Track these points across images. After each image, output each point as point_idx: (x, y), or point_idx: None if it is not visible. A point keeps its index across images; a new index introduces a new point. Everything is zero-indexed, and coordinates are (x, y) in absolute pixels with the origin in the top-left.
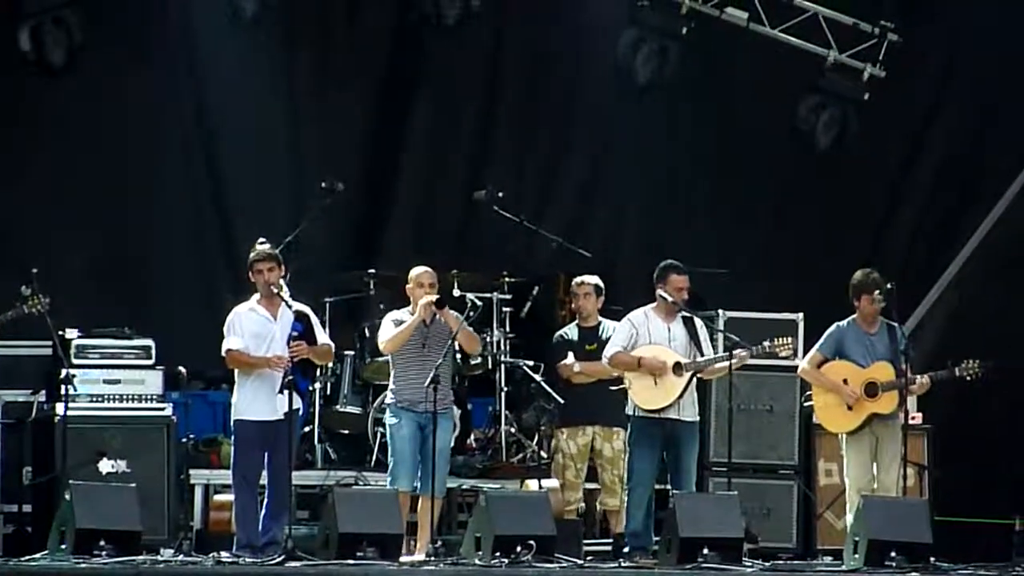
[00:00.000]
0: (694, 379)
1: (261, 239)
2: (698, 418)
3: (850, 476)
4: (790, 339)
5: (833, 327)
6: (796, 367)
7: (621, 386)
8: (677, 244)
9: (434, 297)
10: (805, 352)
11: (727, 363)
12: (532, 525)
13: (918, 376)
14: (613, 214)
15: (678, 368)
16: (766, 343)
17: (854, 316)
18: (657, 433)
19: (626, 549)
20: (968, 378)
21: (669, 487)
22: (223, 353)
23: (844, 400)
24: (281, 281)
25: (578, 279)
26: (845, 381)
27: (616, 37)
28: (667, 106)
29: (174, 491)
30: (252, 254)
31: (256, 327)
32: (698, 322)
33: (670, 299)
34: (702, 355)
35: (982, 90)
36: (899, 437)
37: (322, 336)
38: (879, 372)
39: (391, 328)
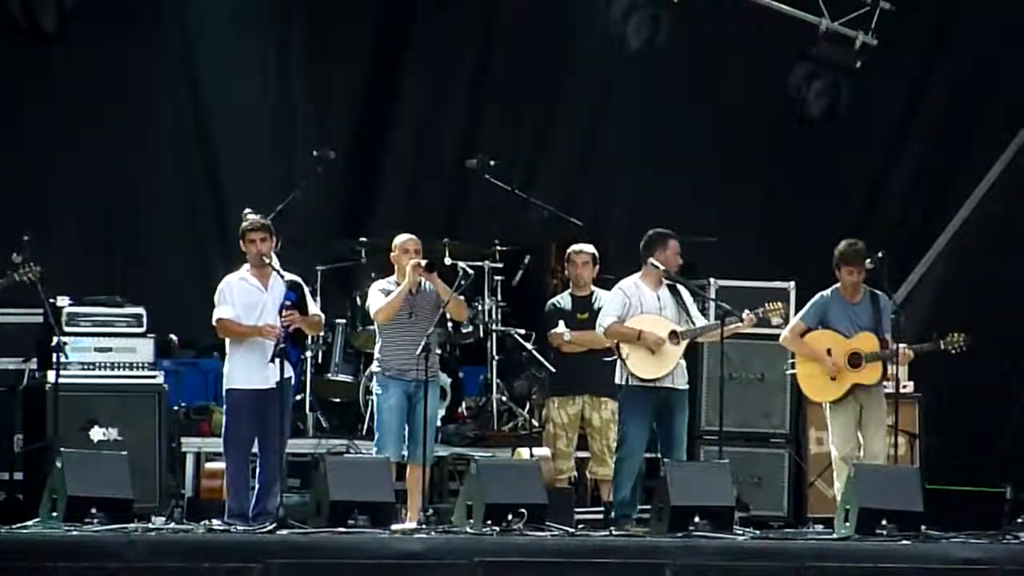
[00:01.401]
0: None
1: (248, 209)
2: (688, 386)
3: (835, 444)
4: (781, 304)
5: (817, 296)
6: None
7: (612, 357)
8: (668, 213)
9: (422, 260)
10: None
11: (722, 329)
12: (523, 493)
13: (902, 346)
14: (604, 183)
15: (674, 336)
16: (759, 310)
17: (837, 285)
18: (650, 402)
19: (612, 515)
20: (953, 351)
21: (660, 456)
22: (214, 322)
23: (826, 370)
24: (272, 252)
25: (576, 247)
26: (829, 351)
27: (608, 5)
28: (659, 75)
29: (165, 459)
30: (244, 224)
31: (247, 296)
32: (682, 288)
33: (662, 268)
34: (692, 321)
35: (974, 59)
36: (883, 404)
37: (313, 307)
38: (863, 343)
39: (380, 297)
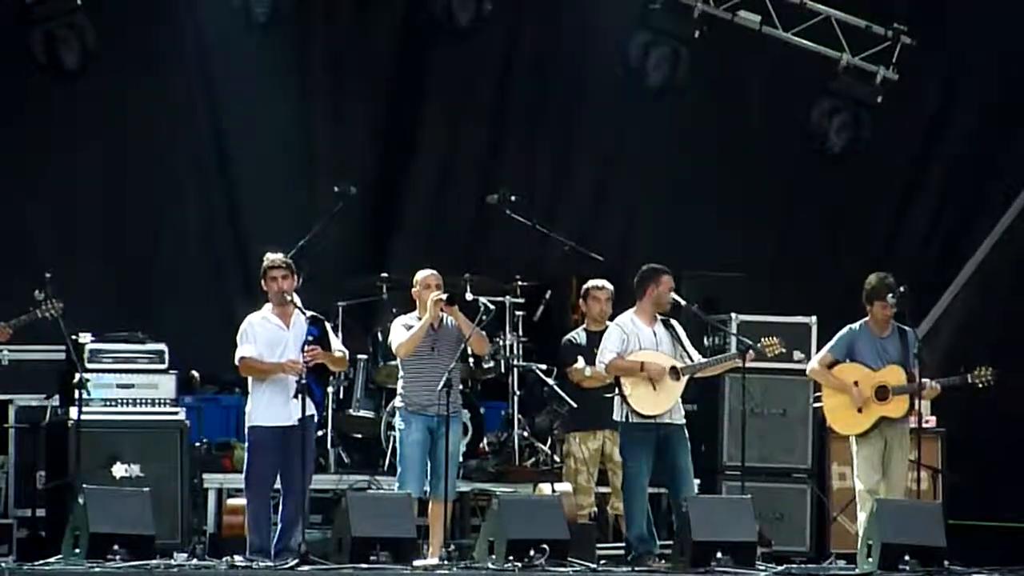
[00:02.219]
0: None
1: (269, 253)
2: (684, 420)
3: (859, 478)
4: (777, 338)
5: (845, 329)
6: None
7: (615, 393)
8: (689, 247)
9: (444, 294)
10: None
11: (721, 364)
12: (545, 529)
13: (929, 381)
14: (625, 217)
15: (674, 372)
16: (757, 345)
17: (866, 319)
18: (651, 438)
19: (632, 554)
20: (980, 385)
21: (668, 492)
22: (236, 362)
23: (852, 402)
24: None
25: (599, 283)
26: (856, 383)
27: (627, 40)
28: (679, 109)
29: (187, 495)
30: (265, 262)
31: (269, 335)
32: (675, 324)
33: (683, 302)
34: (688, 356)
35: (994, 92)
36: (908, 439)
37: (336, 343)
38: (890, 376)
39: (403, 332)
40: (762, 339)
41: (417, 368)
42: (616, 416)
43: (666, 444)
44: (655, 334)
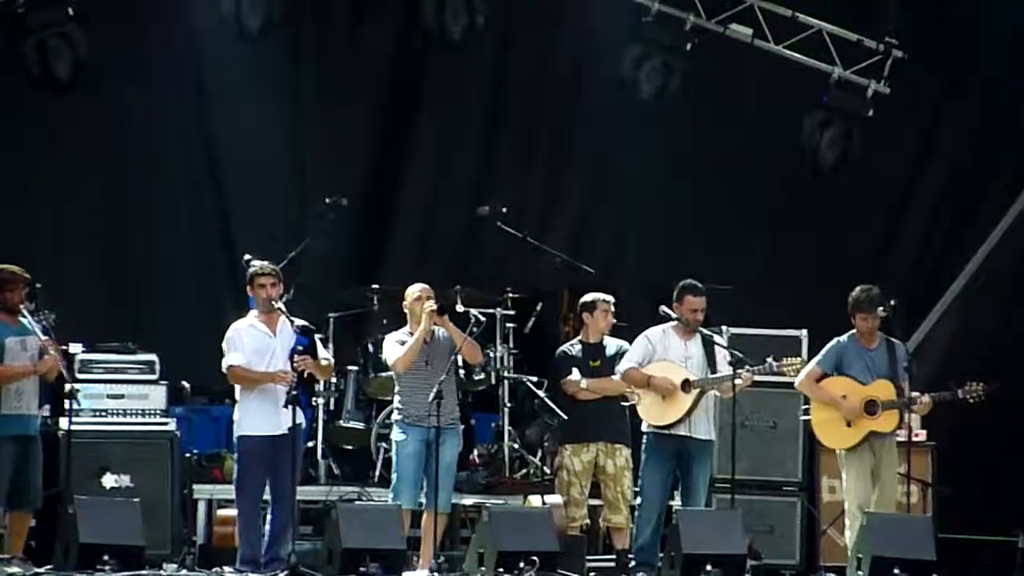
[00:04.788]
0: (705, 397)
1: (247, 256)
2: (713, 437)
3: (849, 492)
4: (798, 359)
5: (833, 342)
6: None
7: (630, 402)
8: (680, 260)
9: (435, 304)
10: None
11: (733, 381)
12: (535, 541)
13: (921, 396)
14: (616, 230)
15: (686, 385)
16: (773, 361)
17: (853, 331)
18: (669, 449)
19: (631, 564)
20: (971, 400)
21: (681, 504)
22: (224, 370)
23: (843, 415)
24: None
25: (602, 296)
26: (844, 397)
27: (620, 54)
28: (670, 123)
29: (177, 506)
30: (251, 269)
31: (256, 343)
32: (718, 341)
33: (674, 316)
34: (714, 374)
35: (985, 109)
36: (896, 453)
37: (323, 352)
38: (879, 390)
39: (397, 348)
40: (784, 358)
41: (413, 382)
42: (643, 426)
43: (683, 457)
44: (686, 347)
